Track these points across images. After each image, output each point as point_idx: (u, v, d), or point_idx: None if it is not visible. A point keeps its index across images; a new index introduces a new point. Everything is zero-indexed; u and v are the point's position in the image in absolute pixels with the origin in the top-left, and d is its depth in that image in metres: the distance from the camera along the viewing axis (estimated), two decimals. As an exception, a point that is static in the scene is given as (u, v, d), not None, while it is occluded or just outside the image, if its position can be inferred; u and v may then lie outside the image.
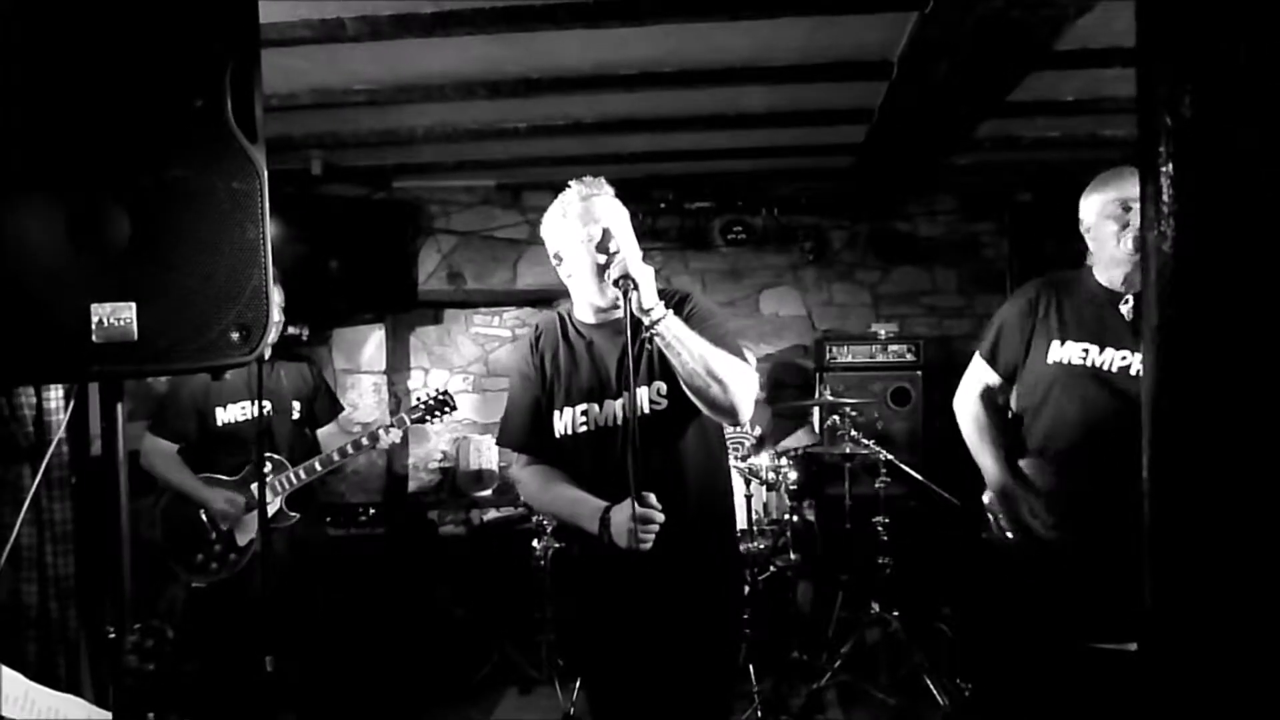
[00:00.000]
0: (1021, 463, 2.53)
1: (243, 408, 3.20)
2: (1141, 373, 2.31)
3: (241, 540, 3.17)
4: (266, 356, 3.02)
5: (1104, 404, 2.36)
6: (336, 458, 3.18)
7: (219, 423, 3.18)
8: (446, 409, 3.30)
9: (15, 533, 2.55)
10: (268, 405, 3.07)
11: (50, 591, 2.80)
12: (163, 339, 1.30)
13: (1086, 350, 2.41)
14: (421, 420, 3.28)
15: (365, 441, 3.17)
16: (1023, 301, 2.56)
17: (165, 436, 3.20)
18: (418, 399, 3.33)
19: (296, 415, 3.31)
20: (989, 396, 2.65)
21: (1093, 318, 2.43)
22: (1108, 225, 2.37)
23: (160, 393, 3.34)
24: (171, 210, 1.30)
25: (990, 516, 2.61)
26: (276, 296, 2.87)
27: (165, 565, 3.20)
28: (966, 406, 2.66)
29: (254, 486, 3.14)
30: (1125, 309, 2.39)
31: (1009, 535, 2.53)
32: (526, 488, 2.24)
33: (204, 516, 3.17)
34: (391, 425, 3.21)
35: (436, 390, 3.33)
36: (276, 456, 3.17)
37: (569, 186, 2.11)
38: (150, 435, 3.21)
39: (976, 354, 2.67)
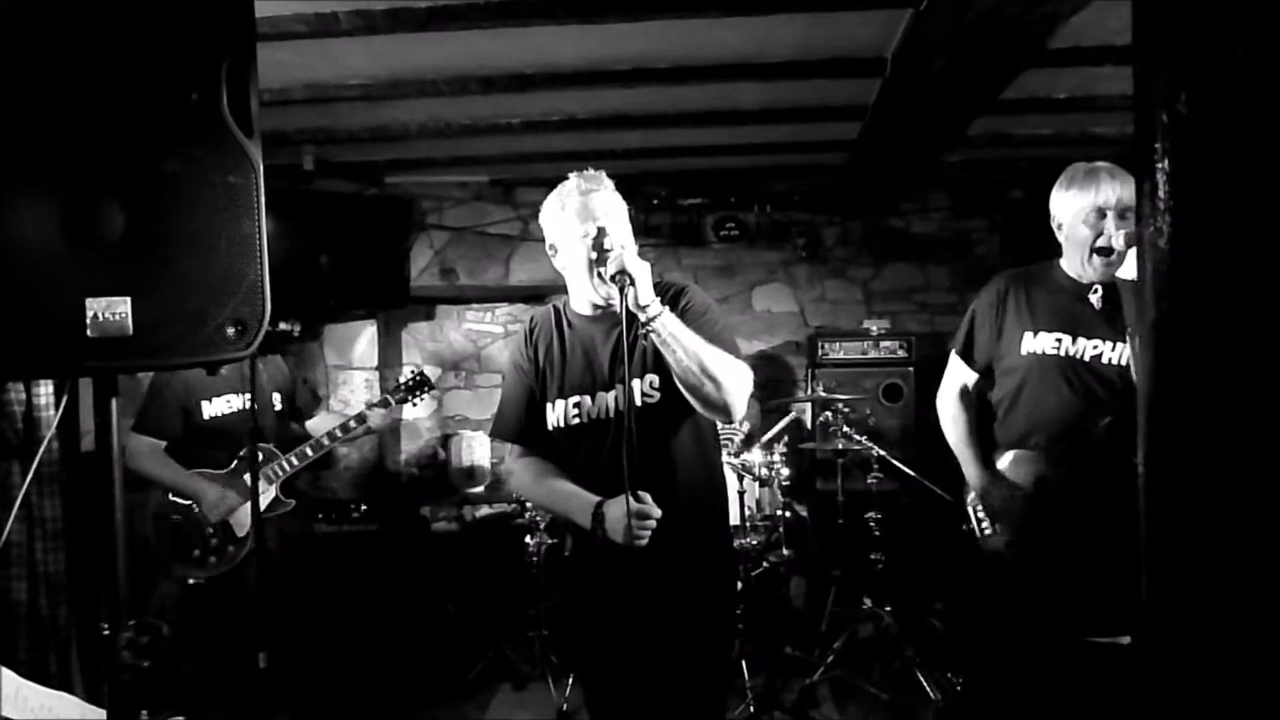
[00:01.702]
0: (1001, 456, 2.54)
1: (228, 401, 3.20)
2: (1114, 361, 2.34)
3: (239, 531, 3.17)
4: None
5: (1080, 393, 2.37)
6: (327, 441, 3.25)
7: (205, 417, 3.17)
8: (426, 388, 3.50)
9: (5, 530, 2.54)
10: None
11: (40, 589, 2.78)
12: (158, 334, 1.30)
13: (1059, 340, 2.41)
14: (404, 400, 3.46)
15: (354, 424, 3.27)
16: (991, 294, 2.57)
17: (150, 434, 3.16)
18: (397, 381, 3.54)
19: (278, 407, 3.34)
20: (968, 396, 2.67)
21: (1063, 308, 2.44)
22: (1081, 230, 2.36)
23: (142, 390, 3.33)
24: (167, 204, 1.30)
25: (970, 512, 2.63)
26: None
27: (158, 562, 3.18)
28: (947, 408, 2.69)
29: (248, 477, 3.15)
30: (1095, 298, 2.41)
31: (987, 533, 2.55)
32: (519, 480, 2.24)
33: (197, 511, 3.16)
34: (376, 405, 3.36)
35: (412, 371, 3.53)
36: (266, 446, 3.17)
37: (569, 178, 2.10)
38: (135, 434, 3.16)
39: (953, 353, 2.70)
